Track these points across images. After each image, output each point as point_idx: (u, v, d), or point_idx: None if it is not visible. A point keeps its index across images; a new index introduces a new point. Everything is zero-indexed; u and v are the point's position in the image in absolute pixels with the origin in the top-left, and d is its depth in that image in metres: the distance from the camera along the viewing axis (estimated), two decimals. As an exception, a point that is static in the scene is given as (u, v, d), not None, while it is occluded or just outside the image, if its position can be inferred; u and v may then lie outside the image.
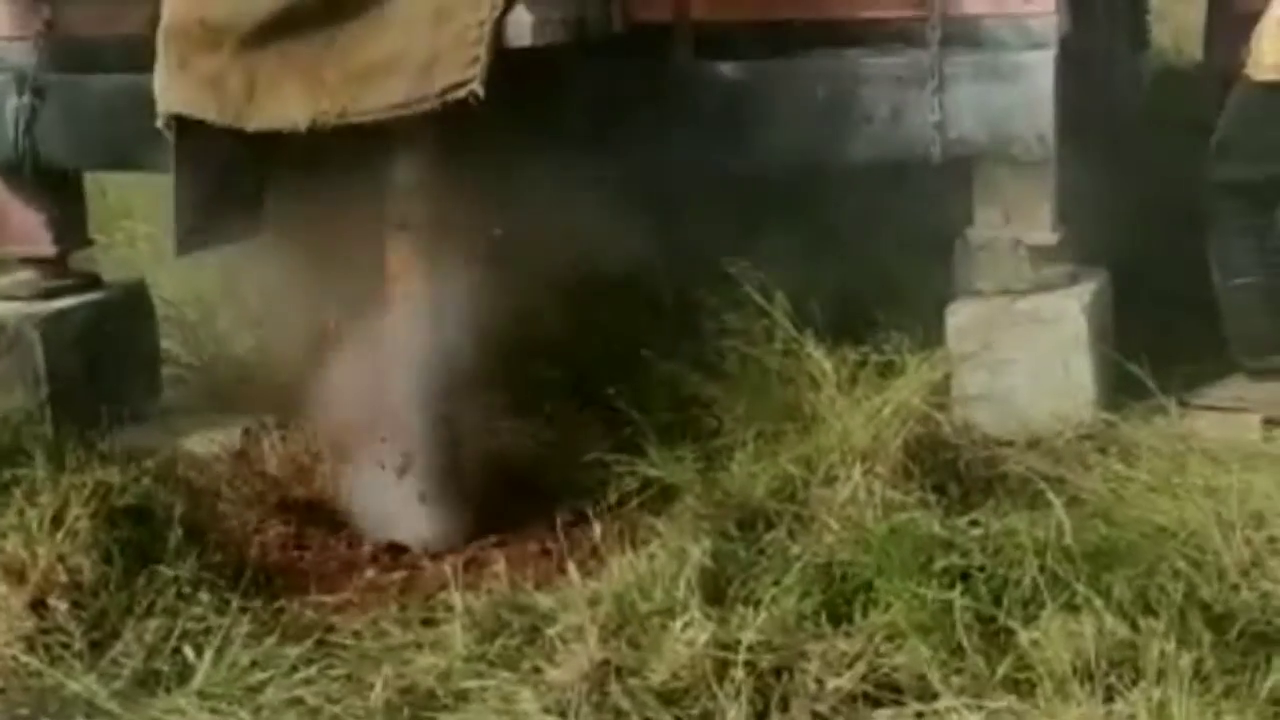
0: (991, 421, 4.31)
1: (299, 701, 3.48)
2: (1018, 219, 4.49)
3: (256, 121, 4.09)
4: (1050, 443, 4.19)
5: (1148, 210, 5.20)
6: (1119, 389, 4.42)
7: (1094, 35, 4.86)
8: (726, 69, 4.54)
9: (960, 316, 4.47)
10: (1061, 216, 4.54)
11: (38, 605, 3.80)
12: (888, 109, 4.43)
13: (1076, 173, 4.57)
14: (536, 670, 3.47)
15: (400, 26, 4.05)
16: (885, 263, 4.77)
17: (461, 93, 3.99)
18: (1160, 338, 4.62)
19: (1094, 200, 4.69)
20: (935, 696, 3.12)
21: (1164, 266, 5.02)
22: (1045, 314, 4.44)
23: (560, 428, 4.59)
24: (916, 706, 3.12)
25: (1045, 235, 4.50)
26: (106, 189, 6.47)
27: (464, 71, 4.00)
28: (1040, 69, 4.36)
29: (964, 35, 4.41)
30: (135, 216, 6.80)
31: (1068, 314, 4.44)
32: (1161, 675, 3.08)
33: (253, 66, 4.07)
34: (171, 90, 4.15)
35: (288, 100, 4.05)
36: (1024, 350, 4.41)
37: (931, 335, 4.39)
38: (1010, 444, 4.18)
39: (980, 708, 3.08)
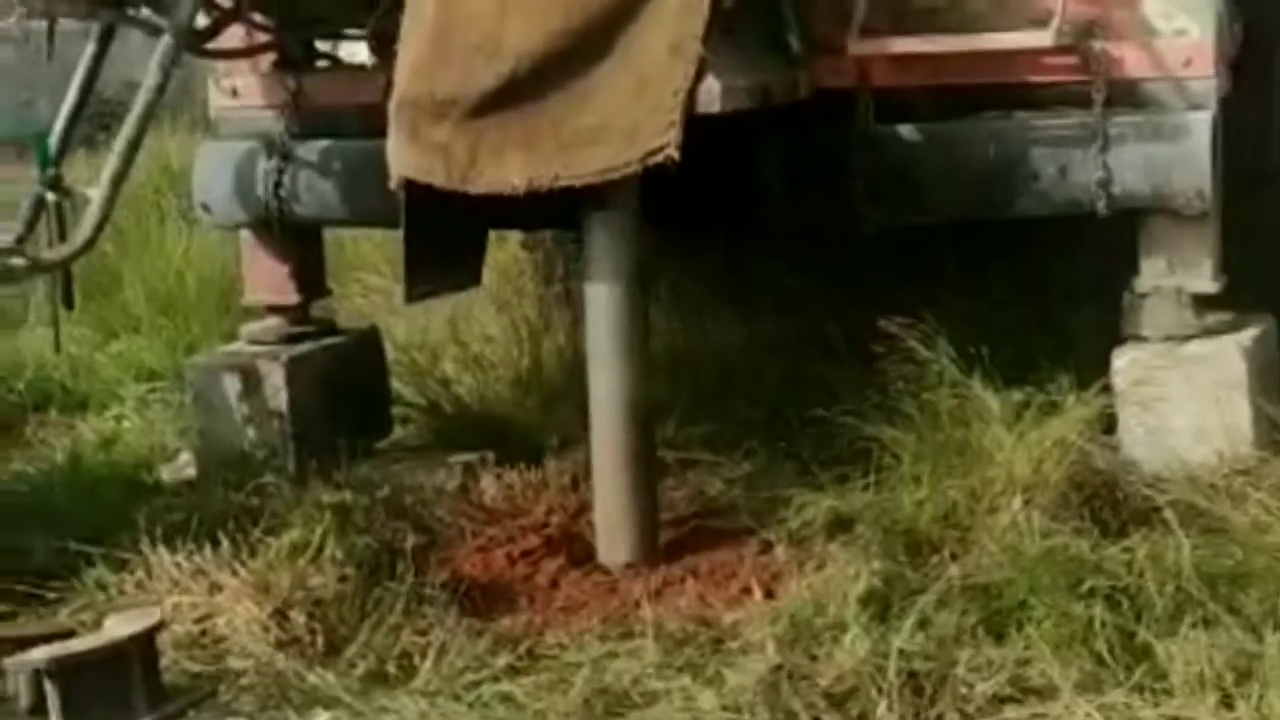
0: (1153, 459, 4.58)
1: (509, 698, 3.90)
2: (1181, 269, 4.77)
3: (479, 185, 4.47)
4: (1206, 479, 4.45)
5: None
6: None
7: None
8: (905, 131, 4.91)
9: (1125, 360, 4.76)
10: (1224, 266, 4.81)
11: (280, 616, 4.29)
12: (1055, 167, 4.75)
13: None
14: (718, 676, 3.86)
15: (605, 97, 4.41)
16: (1057, 311, 5.08)
17: (660, 156, 4.36)
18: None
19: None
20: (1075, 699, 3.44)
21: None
22: (1206, 358, 4.70)
23: (752, 464, 4.99)
24: (1054, 707, 3.45)
25: (1207, 284, 4.77)
26: (344, 244, 7.03)
27: (661, 136, 4.38)
28: (1199, 128, 4.65)
29: (1127, 97, 4.71)
30: (368, 269, 7.38)
31: (1228, 358, 4.70)
32: (1282, 685, 3.37)
33: (476, 135, 4.45)
34: (403, 156, 4.55)
35: (508, 165, 4.43)
36: (1185, 392, 4.67)
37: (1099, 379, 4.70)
38: (1167, 479, 4.46)
39: (1111, 708, 3.40)
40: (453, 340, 6.16)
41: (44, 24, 5.26)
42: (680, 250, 5.52)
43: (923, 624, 3.84)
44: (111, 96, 6.81)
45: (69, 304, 5.31)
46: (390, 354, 5.97)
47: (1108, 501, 4.27)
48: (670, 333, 5.57)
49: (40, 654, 3.71)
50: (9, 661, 3.71)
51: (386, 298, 6.93)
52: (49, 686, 3.71)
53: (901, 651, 3.67)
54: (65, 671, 3.75)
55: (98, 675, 3.80)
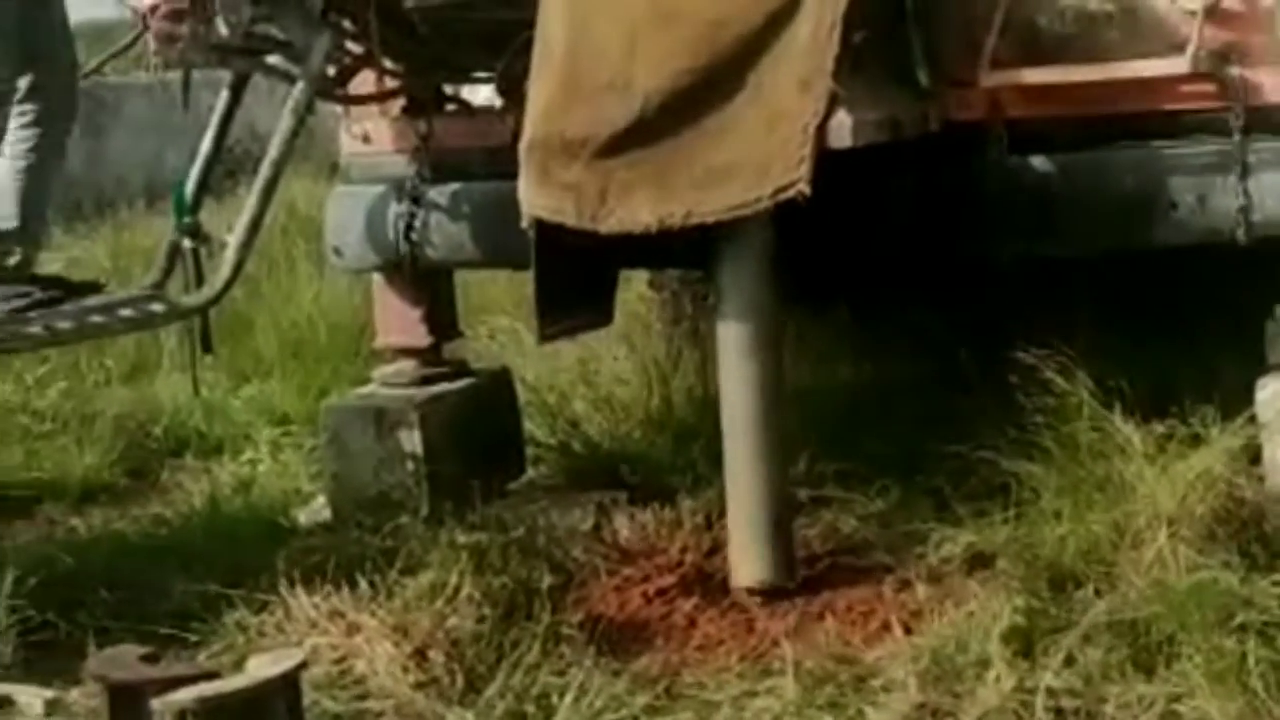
0: (1301, 491, 4.51)
1: (651, 739, 3.89)
2: (1326, 296, 4.68)
3: (610, 223, 4.48)
4: (1356, 511, 4.36)
5: None
6: None
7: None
8: (1039, 162, 4.86)
9: (1269, 390, 4.66)
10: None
11: (419, 656, 4.30)
12: (1193, 196, 4.68)
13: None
14: (860, 714, 3.82)
15: (737, 134, 4.40)
16: (1197, 341, 4.99)
17: (791, 192, 4.34)
18: None
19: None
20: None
21: None
22: (1353, 388, 4.61)
23: (886, 501, 4.95)
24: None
25: (1353, 312, 4.68)
26: (469, 287, 7.06)
27: (793, 172, 4.36)
28: (1343, 152, 4.57)
29: (1266, 122, 4.63)
30: (494, 311, 7.41)
31: (1375, 387, 4.60)
32: None
33: (606, 174, 4.47)
34: (533, 197, 4.57)
35: (639, 204, 4.44)
36: (1331, 423, 4.59)
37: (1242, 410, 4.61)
38: (1317, 512, 4.37)
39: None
40: (582, 380, 6.17)
41: (178, 74, 5.35)
42: (809, 286, 5.49)
43: (1069, 661, 3.79)
44: (233, 145, 6.89)
45: (207, 348, 5.37)
46: (520, 395, 5.98)
47: (1256, 534, 4.19)
48: (799, 369, 5.54)
49: (186, 694, 3.73)
50: (156, 702, 3.73)
51: (514, 339, 6.97)
52: (194, 727, 3.73)
53: (1049, 689, 3.61)
54: (210, 712, 3.76)
55: (242, 715, 3.81)
